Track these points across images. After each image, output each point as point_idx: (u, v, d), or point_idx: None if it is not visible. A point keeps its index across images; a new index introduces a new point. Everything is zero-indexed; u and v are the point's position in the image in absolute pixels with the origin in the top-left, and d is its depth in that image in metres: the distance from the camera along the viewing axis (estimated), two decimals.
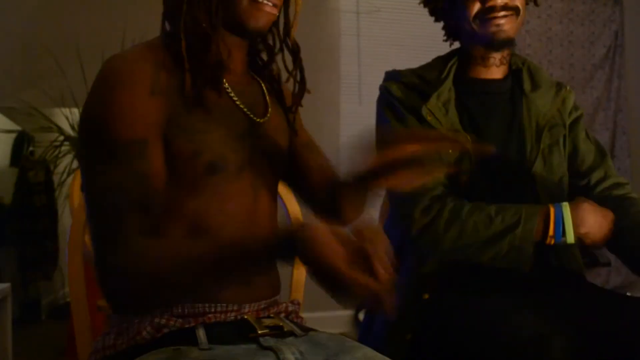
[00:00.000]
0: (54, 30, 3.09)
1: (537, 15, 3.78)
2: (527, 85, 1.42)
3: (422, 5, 1.46)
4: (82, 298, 1.22)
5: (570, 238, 1.21)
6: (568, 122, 1.44)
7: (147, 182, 0.88)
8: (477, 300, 1.20)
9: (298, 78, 1.10)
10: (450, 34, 1.47)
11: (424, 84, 1.38)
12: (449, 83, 1.38)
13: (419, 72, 1.42)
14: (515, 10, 1.33)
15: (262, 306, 0.99)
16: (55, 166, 3.27)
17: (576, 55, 3.85)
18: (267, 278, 1.01)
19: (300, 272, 1.37)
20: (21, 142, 3.39)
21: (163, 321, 0.90)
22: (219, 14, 0.97)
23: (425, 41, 3.59)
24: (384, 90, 1.42)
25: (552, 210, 1.23)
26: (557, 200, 1.29)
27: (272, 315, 0.98)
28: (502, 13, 1.32)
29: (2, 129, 3.20)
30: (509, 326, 1.11)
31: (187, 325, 0.90)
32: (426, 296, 1.30)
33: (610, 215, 1.27)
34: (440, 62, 1.44)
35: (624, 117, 3.93)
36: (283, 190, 1.32)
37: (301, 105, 1.13)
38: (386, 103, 1.40)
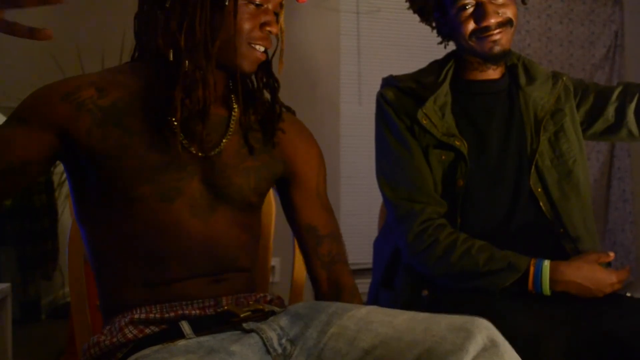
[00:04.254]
0: (54, 31, 3.09)
1: (537, 15, 3.77)
2: (522, 80, 1.43)
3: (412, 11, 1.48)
4: (82, 298, 1.22)
5: (546, 291, 1.25)
6: (576, 101, 1.46)
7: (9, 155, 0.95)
8: (475, 299, 1.20)
9: (277, 111, 1.11)
10: (445, 37, 1.47)
11: (421, 88, 1.39)
12: (445, 87, 1.39)
13: (416, 77, 1.43)
14: (509, 22, 1.34)
15: (241, 299, 1.01)
16: (55, 166, 3.28)
17: (576, 55, 3.85)
18: (241, 274, 1.03)
19: (300, 273, 1.36)
20: None
21: (142, 316, 0.91)
22: (214, 57, 0.99)
23: (425, 41, 3.60)
24: (380, 97, 1.43)
25: (532, 269, 1.25)
26: (561, 186, 1.35)
27: (251, 302, 1.01)
28: (497, 30, 1.33)
29: None
30: (506, 326, 1.11)
31: (166, 315, 0.93)
32: (425, 292, 1.30)
33: (602, 278, 1.27)
34: (436, 66, 1.45)
35: None
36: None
37: (279, 131, 1.12)
38: (381, 116, 1.41)
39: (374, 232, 1.62)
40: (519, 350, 1.01)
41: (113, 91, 0.98)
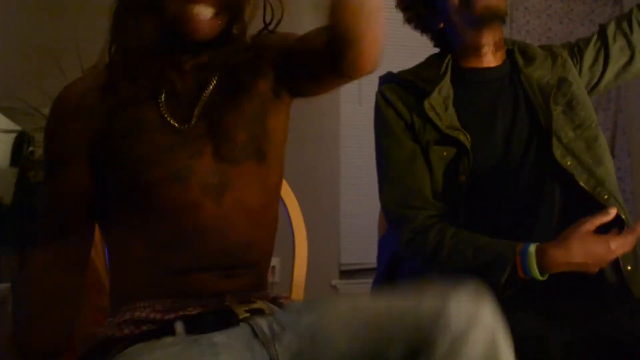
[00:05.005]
0: (54, 30, 3.09)
1: (537, 15, 3.77)
2: (521, 62, 1.41)
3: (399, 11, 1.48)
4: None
5: (537, 277, 1.18)
6: (577, 67, 1.44)
7: (56, 201, 1.03)
8: None
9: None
10: (439, 41, 1.46)
11: (421, 81, 1.37)
12: (447, 79, 1.36)
13: (414, 71, 1.42)
14: None
15: (246, 296, 1.00)
16: None
17: None
18: (249, 271, 1.02)
19: (300, 272, 1.36)
20: (21, 142, 3.38)
21: (143, 315, 0.92)
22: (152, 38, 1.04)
23: (425, 41, 3.60)
24: (379, 96, 1.41)
25: (518, 257, 1.18)
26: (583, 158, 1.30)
27: (254, 300, 1.00)
28: None
29: (2, 129, 3.19)
30: (508, 324, 1.10)
31: (166, 317, 0.92)
32: None
33: (597, 250, 1.17)
34: (435, 59, 1.43)
35: (624, 117, 3.93)
36: (284, 190, 1.32)
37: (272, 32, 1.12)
38: (379, 117, 1.39)
39: (373, 232, 1.62)
40: (520, 350, 1.01)
41: (114, 89, 1.03)
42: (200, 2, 1.01)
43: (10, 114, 3.27)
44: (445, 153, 1.32)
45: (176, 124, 1.02)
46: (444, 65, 1.39)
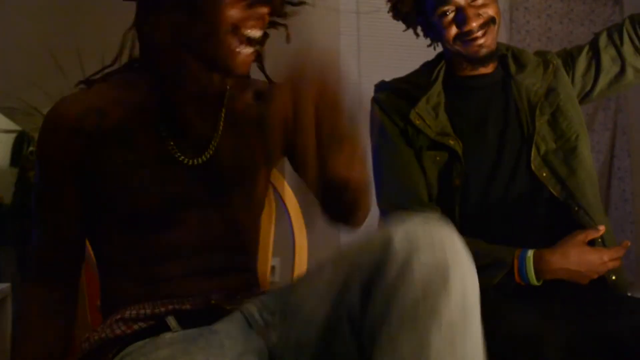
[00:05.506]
0: (54, 30, 3.09)
1: (537, 16, 3.77)
2: (512, 69, 1.43)
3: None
4: (82, 298, 1.22)
5: (534, 282, 1.22)
6: (569, 75, 1.46)
7: (59, 223, 1.01)
8: None
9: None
10: (432, 40, 1.47)
11: (414, 88, 1.39)
12: (438, 86, 1.39)
13: (408, 78, 1.44)
14: (491, 21, 1.34)
15: (232, 294, 1.01)
16: None
17: None
18: (238, 275, 1.03)
19: (300, 272, 1.36)
20: (21, 142, 3.38)
21: (134, 313, 0.93)
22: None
23: (424, 41, 3.60)
24: (373, 103, 1.44)
25: (516, 262, 1.22)
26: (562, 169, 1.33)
27: (240, 299, 1.01)
28: (480, 32, 1.33)
29: (2, 129, 3.20)
30: (505, 324, 1.11)
31: (156, 311, 0.94)
32: None
33: (592, 259, 1.23)
34: (428, 67, 1.45)
35: (624, 117, 3.93)
36: (284, 190, 1.32)
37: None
38: (373, 122, 1.41)
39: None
40: (518, 350, 1.01)
41: (113, 111, 1.00)
42: (248, 43, 0.98)
43: (10, 114, 3.27)
44: (438, 158, 1.34)
45: (183, 158, 1.01)
46: (436, 71, 1.41)
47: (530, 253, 1.22)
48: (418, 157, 1.35)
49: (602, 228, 1.27)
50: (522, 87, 1.40)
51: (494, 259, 1.22)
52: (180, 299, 0.97)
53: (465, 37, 1.33)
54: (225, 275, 1.02)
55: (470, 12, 1.30)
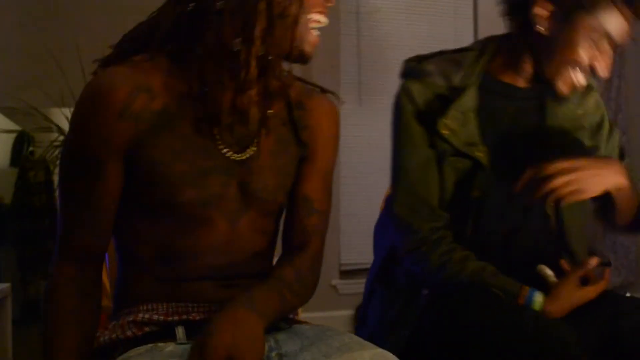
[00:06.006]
0: (54, 30, 3.09)
1: None
2: (558, 92, 1.30)
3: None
4: None
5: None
6: (606, 124, 1.42)
7: (97, 202, 0.95)
8: (479, 297, 1.19)
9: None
10: (519, 24, 1.30)
11: (448, 89, 1.30)
12: (473, 90, 1.29)
13: (446, 68, 1.31)
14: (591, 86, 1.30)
15: None
16: (55, 166, 3.27)
17: None
18: (251, 281, 1.01)
19: None
20: (21, 142, 3.39)
21: (146, 317, 0.92)
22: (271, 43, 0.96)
23: (425, 41, 3.60)
24: (403, 93, 1.32)
25: (521, 300, 1.21)
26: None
27: None
28: (585, 81, 1.26)
29: (2, 129, 3.20)
30: (512, 324, 1.10)
31: (169, 319, 0.93)
32: (425, 291, 1.29)
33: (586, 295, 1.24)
34: (472, 56, 1.33)
35: (624, 117, 3.93)
36: None
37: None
38: (400, 116, 1.30)
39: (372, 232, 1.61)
40: (524, 348, 1.01)
41: (161, 94, 0.95)
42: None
43: (10, 114, 3.28)
44: (459, 165, 1.27)
45: (227, 151, 0.98)
46: (477, 70, 1.30)
47: (536, 298, 1.20)
48: (439, 160, 1.28)
49: (592, 261, 1.26)
50: (560, 111, 1.34)
51: (503, 290, 1.20)
52: (194, 305, 0.97)
53: (581, 69, 1.23)
54: (245, 280, 1.00)
55: (610, 61, 1.24)
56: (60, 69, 2.89)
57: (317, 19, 0.99)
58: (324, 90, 1.11)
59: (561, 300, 1.21)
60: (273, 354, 0.92)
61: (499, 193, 1.28)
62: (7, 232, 3.21)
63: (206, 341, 0.85)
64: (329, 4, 1.01)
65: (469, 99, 1.29)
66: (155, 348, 0.90)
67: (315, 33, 1.00)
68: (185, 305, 0.96)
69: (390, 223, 1.33)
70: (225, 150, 0.98)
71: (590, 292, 1.24)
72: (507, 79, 1.32)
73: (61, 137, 3.18)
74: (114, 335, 0.94)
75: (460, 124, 1.27)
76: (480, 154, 1.27)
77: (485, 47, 1.34)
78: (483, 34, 3.74)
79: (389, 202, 1.34)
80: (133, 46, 1.01)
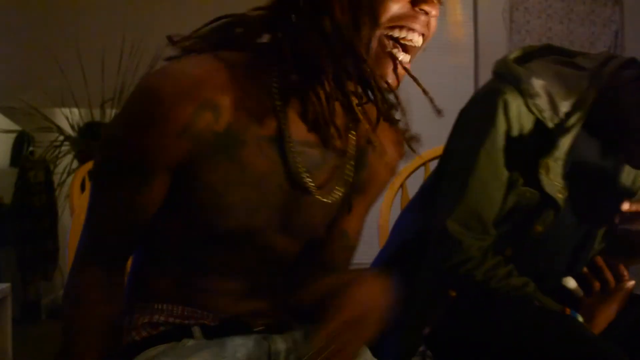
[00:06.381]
0: (54, 30, 3.09)
1: (537, 16, 3.78)
2: None
3: None
4: None
5: None
6: None
7: (136, 212, 0.87)
8: (505, 304, 1.18)
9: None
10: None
11: (553, 123, 1.14)
12: (577, 130, 1.14)
13: (553, 90, 1.14)
14: None
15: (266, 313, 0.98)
16: (55, 166, 3.27)
17: None
18: (279, 294, 0.98)
19: None
20: (21, 142, 3.39)
21: (162, 319, 0.91)
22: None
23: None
24: (501, 104, 1.15)
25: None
26: None
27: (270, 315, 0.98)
28: None
29: (2, 129, 3.20)
30: (535, 329, 1.10)
31: (186, 322, 0.91)
32: (453, 293, 1.26)
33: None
34: (585, 81, 1.15)
35: None
36: None
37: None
38: (486, 124, 1.17)
39: (374, 231, 1.61)
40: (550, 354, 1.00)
41: (227, 112, 0.81)
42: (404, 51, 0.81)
43: (10, 114, 3.28)
44: (528, 195, 1.18)
45: (313, 188, 0.87)
46: (586, 104, 1.13)
47: (579, 319, 1.17)
48: (510, 183, 1.18)
49: (630, 284, 1.21)
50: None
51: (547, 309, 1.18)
52: (211, 314, 0.93)
53: None
54: (267, 296, 0.96)
55: None
56: (60, 69, 2.89)
57: (409, 37, 0.81)
58: (395, 122, 0.91)
59: (599, 327, 1.19)
60: (291, 356, 0.91)
61: (565, 234, 1.24)
62: (7, 232, 3.21)
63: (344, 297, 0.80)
64: (430, 10, 0.80)
65: (571, 139, 1.15)
66: (176, 345, 0.88)
67: (403, 57, 0.81)
68: (201, 312, 0.95)
69: (434, 232, 1.24)
70: (315, 193, 0.87)
71: (618, 310, 1.22)
72: None
73: (61, 137, 3.18)
74: (129, 339, 0.92)
75: (553, 160, 1.15)
76: (561, 195, 1.18)
77: (603, 68, 1.17)
78: (483, 34, 3.71)
79: (439, 209, 1.24)
80: (217, 38, 0.87)
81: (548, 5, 3.81)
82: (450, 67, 3.43)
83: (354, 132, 0.91)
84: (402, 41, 0.81)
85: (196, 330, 0.90)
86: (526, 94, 1.13)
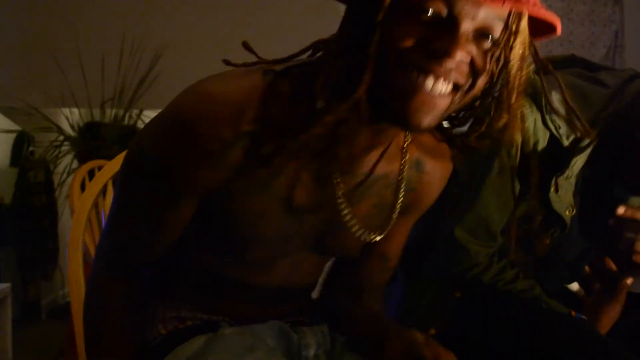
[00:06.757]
0: (54, 30, 3.09)
1: None
2: None
3: None
4: (82, 298, 1.22)
5: None
6: None
7: (163, 229, 0.83)
8: (511, 304, 1.18)
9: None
10: None
11: (568, 139, 1.10)
12: (590, 149, 1.11)
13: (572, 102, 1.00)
14: None
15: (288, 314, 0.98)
16: (55, 166, 3.27)
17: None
18: (299, 300, 0.99)
19: None
20: (21, 142, 3.39)
21: (189, 315, 0.90)
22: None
23: None
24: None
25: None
26: None
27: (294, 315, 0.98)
28: None
29: (2, 129, 3.20)
30: (543, 329, 1.09)
31: (214, 318, 0.90)
32: (458, 294, 1.27)
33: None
34: (605, 97, 1.11)
35: None
36: None
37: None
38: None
39: None
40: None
41: (267, 142, 0.73)
42: (438, 75, 0.67)
43: (10, 114, 3.28)
44: (538, 208, 1.15)
45: (361, 233, 0.84)
46: (601, 120, 1.08)
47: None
48: (519, 195, 1.15)
49: (629, 281, 1.21)
50: None
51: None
52: (228, 320, 0.92)
53: None
54: (286, 304, 0.96)
55: None
56: (60, 69, 2.90)
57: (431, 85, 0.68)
58: (449, 144, 0.85)
59: (604, 328, 1.20)
60: (320, 350, 0.91)
61: (570, 246, 1.23)
62: (7, 232, 3.21)
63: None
64: (449, 60, 0.66)
65: (584, 159, 1.12)
66: (213, 336, 0.86)
67: (433, 89, 0.67)
68: (220, 318, 0.94)
69: (441, 238, 1.23)
70: (357, 231, 0.83)
71: (621, 307, 1.23)
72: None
73: (61, 137, 3.18)
74: (155, 332, 0.90)
75: (565, 178, 1.12)
76: (569, 213, 1.16)
77: (625, 88, 1.12)
78: None
79: (448, 216, 1.22)
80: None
81: (548, 6, 3.79)
82: None
83: (403, 155, 0.86)
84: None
85: (225, 326, 0.89)
86: (545, 109, 1.09)
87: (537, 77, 1.07)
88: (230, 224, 0.81)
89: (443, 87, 0.68)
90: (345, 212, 0.81)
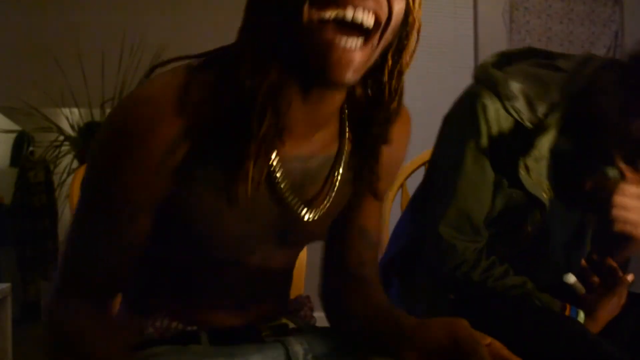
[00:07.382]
0: (54, 30, 3.09)
1: (537, 16, 3.78)
2: None
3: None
4: None
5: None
6: None
7: (122, 248, 0.80)
8: (506, 307, 1.18)
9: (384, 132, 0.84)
10: None
11: (531, 123, 1.15)
12: (555, 130, 1.15)
13: (530, 92, 1.16)
14: None
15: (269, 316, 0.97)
16: (55, 166, 3.27)
17: None
18: (276, 300, 0.98)
19: (299, 272, 1.36)
20: (21, 142, 3.39)
21: (165, 324, 0.89)
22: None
23: (424, 41, 3.58)
24: (480, 109, 1.17)
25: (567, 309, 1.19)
26: None
27: (277, 317, 0.97)
28: None
29: (2, 129, 3.20)
30: (535, 331, 1.10)
31: (189, 328, 0.89)
32: (452, 296, 1.27)
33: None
34: (563, 81, 1.16)
35: None
36: None
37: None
38: (471, 130, 1.18)
39: None
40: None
41: (203, 136, 0.75)
42: (349, 32, 0.69)
43: (10, 114, 3.28)
44: (515, 196, 1.19)
45: (304, 213, 0.83)
46: (562, 105, 1.14)
47: (579, 317, 1.18)
48: (496, 185, 1.19)
49: (629, 278, 1.21)
50: None
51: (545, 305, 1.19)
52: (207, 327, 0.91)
53: None
54: (263, 303, 0.94)
55: None
56: (60, 69, 2.89)
57: (352, 16, 0.69)
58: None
59: (601, 322, 1.20)
60: (309, 356, 0.90)
61: (554, 232, 1.24)
62: (7, 232, 3.21)
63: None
64: None
65: (551, 139, 1.16)
66: (181, 349, 0.86)
67: (346, 43, 0.70)
68: (195, 327, 0.93)
69: (427, 238, 1.25)
70: (302, 212, 0.83)
71: (621, 305, 1.22)
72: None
73: (61, 137, 3.18)
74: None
75: (534, 160, 1.16)
76: (546, 195, 1.19)
77: (581, 69, 1.17)
78: (483, 34, 3.72)
79: (431, 212, 1.25)
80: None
81: (548, 5, 3.80)
82: (450, 67, 3.44)
83: (349, 133, 0.86)
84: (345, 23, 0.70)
85: (203, 336, 0.88)
86: (504, 97, 1.15)
87: (494, 70, 1.17)
88: (189, 228, 0.81)
89: (365, 18, 0.69)
90: (294, 201, 0.82)
